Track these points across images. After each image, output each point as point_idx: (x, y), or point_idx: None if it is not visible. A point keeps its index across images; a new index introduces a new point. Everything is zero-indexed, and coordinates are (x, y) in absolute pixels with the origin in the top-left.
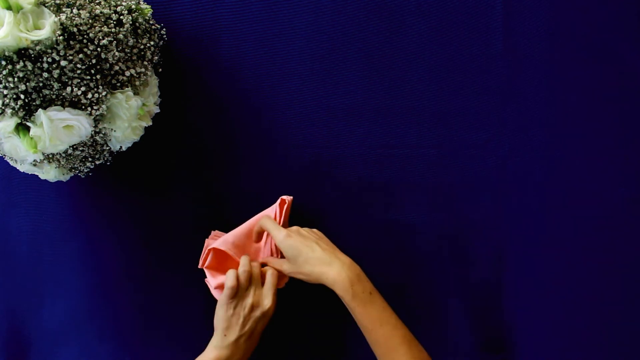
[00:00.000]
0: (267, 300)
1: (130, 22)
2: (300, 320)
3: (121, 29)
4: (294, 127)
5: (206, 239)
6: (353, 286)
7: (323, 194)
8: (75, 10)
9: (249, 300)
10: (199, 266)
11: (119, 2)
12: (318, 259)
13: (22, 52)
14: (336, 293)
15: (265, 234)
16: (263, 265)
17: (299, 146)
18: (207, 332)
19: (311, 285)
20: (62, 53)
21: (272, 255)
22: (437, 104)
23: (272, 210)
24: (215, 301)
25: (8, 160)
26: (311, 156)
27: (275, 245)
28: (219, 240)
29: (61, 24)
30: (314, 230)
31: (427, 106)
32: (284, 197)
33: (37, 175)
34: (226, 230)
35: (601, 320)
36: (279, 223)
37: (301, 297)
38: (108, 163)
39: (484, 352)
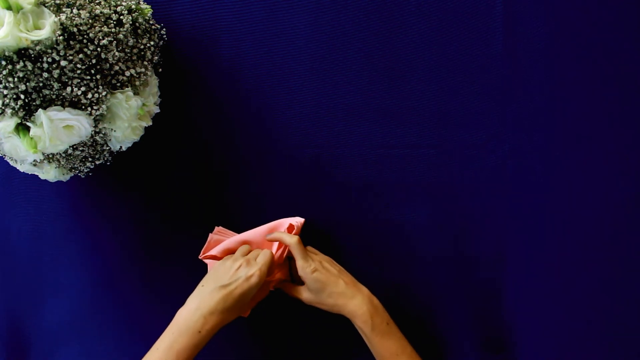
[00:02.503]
0: (254, 269)
1: (130, 22)
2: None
3: (121, 29)
4: (294, 127)
5: (210, 234)
6: (373, 318)
7: (323, 194)
8: (75, 10)
9: (239, 262)
10: (200, 257)
11: (119, 2)
12: (341, 293)
13: (22, 52)
14: (355, 325)
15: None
16: (277, 288)
17: (299, 146)
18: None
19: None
20: (62, 53)
21: (276, 258)
22: (437, 104)
23: (286, 223)
24: None
25: (8, 160)
26: (311, 156)
27: (281, 254)
28: (227, 241)
29: (61, 24)
30: (331, 260)
31: (427, 106)
32: (294, 222)
33: (37, 175)
34: (228, 228)
35: (601, 320)
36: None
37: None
38: (108, 163)
39: (484, 352)
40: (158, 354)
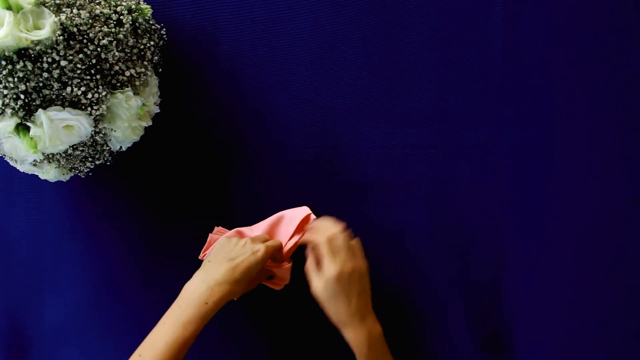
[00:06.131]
0: (259, 245)
1: (130, 22)
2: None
3: (121, 29)
4: (294, 127)
5: (210, 234)
6: (370, 349)
7: (323, 194)
8: (75, 10)
9: (245, 240)
10: (199, 257)
11: (119, 2)
12: (349, 314)
13: (22, 52)
14: (350, 347)
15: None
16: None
17: (299, 146)
18: (207, 330)
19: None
20: (62, 53)
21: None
22: (437, 104)
23: (293, 213)
24: None
25: (8, 160)
26: (311, 156)
27: (290, 248)
28: (228, 233)
29: (61, 24)
30: (364, 271)
31: (427, 106)
32: (311, 214)
33: (37, 175)
34: (228, 228)
35: (601, 320)
36: (296, 241)
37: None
38: (108, 163)
39: (484, 352)
40: (165, 328)
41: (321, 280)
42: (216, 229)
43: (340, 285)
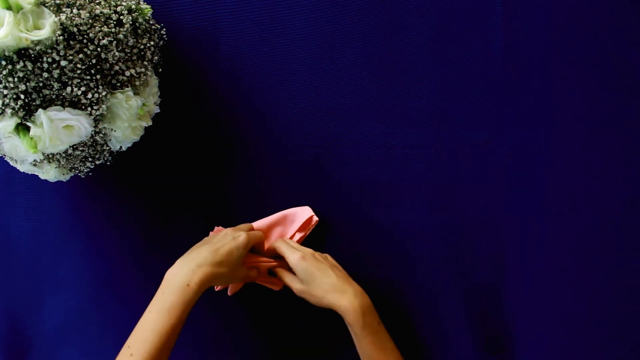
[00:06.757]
0: (240, 232)
1: (130, 22)
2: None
3: (121, 29)
4: (294, 127)
5: (210, 232)
6: (365, 316)
7: (323, 194)
8: (75, 10)
9: (227, 229)
10: None
11: (119, 2)
12: (332, 284)
13: (22, 52)
14: (346, 320)
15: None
16: (271, 273)
17: (299, 146)
18: (207, 329)
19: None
20: (62, 53)
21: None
22: (437, 104)
23: (295, 213)
24: (215, 298)
25: (8, 160)
26: (311, 156)
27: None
28: None
29: (61, 24)
30: (327, 255)
31: (427, 106)
32: (314, 215)
33: (37, 175)
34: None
35: (601, 321)
36: (300, 238)
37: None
38: (108, 163)
39: (484, 352)
40: (151, 316)
41: (293, 274)
42: (216, 228)
43: (308, 264)
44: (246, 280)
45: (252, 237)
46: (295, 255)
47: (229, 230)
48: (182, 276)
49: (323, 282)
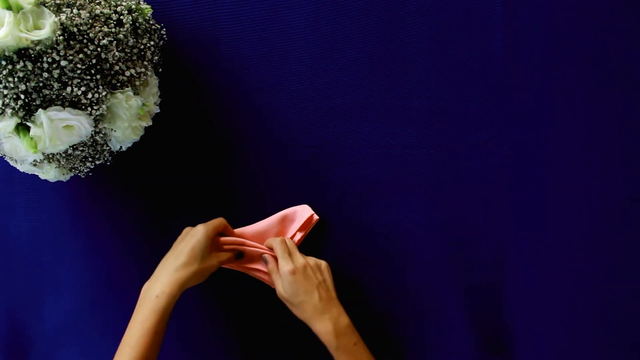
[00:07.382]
0: (198, 227)
1: (130, 22)
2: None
3: (121, 29)
4: (294, 127)
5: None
6: (338, 339)
7: (323, 194)
8: (75, 10)
9: (187, 229)
10: None
11: (119, 2)
12: (312, 307)
13: (22, 52)
14: (320, 340)
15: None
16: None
17: (299, 146)
18: (207, 329)
19: None
20: (62, 53)
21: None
22: (437, 104)
23: (293, 211)
24: (214, 296)
25: (8, 160)
26: (311, 156)
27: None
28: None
29: (61, 24)
30: (321, 265)
31: (427, 106)
32: (314, 214)
33: (37, 175)
34: None
35: (601, 321)
36: (300, 237)
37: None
38: (108, 163)
39: (484, 352)
40: (129, 333)
41: (280, 280)
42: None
43: (296, 280)
44: (223, 264)
45: (210, 226)
46: (287, 267)
47: (187, 229)
48: (150, 291)
49: (304, 301)
